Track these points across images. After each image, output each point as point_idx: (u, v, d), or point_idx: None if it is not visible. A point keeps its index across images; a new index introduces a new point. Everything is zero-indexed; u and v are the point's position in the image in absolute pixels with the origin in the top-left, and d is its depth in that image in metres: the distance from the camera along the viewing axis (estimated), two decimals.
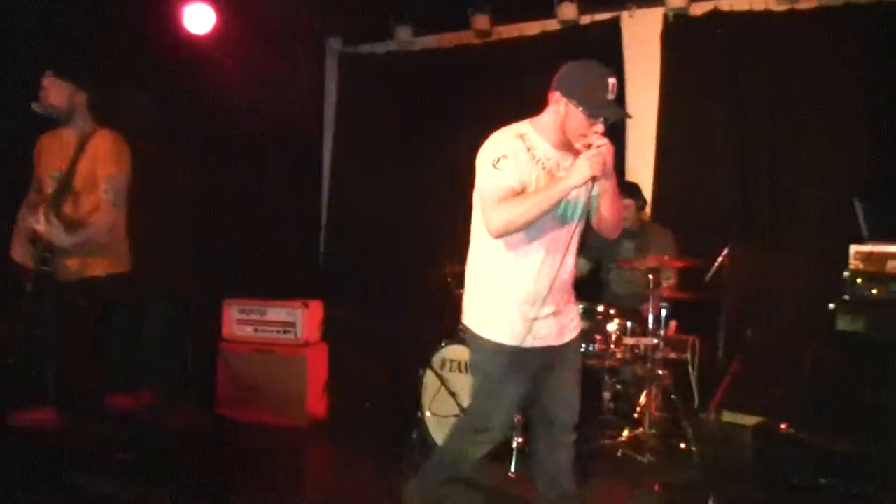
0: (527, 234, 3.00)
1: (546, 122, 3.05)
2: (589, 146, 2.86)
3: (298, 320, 5.45)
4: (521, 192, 2.97)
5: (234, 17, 5.78)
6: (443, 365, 4.89)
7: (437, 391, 4.85)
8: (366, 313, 6.18)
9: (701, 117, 5.72)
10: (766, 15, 5.70)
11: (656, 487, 4.21)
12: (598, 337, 4.80)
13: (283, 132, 6.58)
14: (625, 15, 6.19)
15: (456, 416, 4.72)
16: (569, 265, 3.14)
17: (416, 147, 6.74)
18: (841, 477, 4.19)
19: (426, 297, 5.86)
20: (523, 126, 3.10)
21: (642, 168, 5.87)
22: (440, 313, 5.42)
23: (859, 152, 5.23)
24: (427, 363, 4.91)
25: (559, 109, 3.00)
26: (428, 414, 4.91)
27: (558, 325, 3.15)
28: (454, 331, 5.02)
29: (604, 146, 2.83)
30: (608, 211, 3.08)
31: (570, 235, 3.06)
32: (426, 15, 6.73)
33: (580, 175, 2.84)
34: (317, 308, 5.59)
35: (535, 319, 3.06)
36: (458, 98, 6.59)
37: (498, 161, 2.97)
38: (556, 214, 3.00)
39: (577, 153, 2.94)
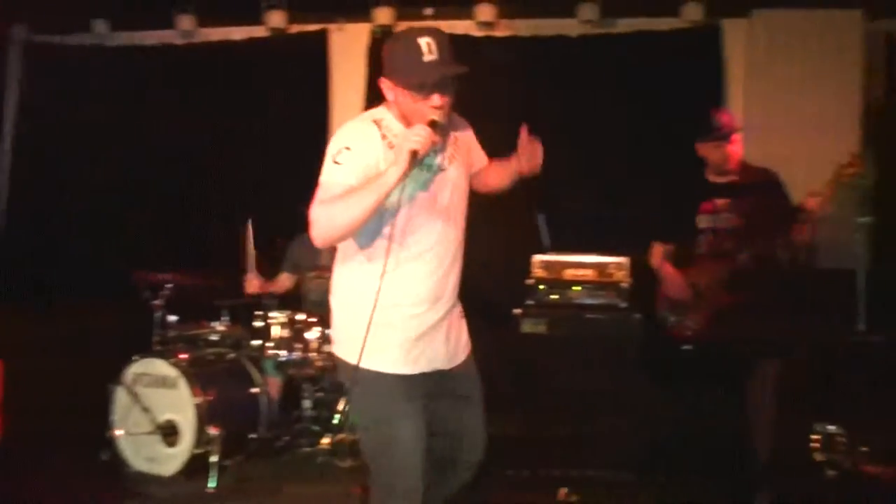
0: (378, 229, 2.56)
1: (395, 111, 2.62)
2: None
3: None
4: None
5: None
6: (135, 380, 4.63)
7: (129, 408, 4.60)
8: (48, 322, 5.71)
9: None
10: (467, 38, 6.05)
11: (357, 490, 4.28)
12: (297, 346, 4.80)
13: None
14: (333, 27, 6.27)
15: (150, 433, 4.51)
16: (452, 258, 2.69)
17: (109, 147, 6.34)
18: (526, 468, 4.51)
19: (116, 304, 5.52)
20: (380, 110, 2.65)
21: None
22: (134, 322, 5.14)
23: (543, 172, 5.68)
24: (118, 378, 4.64)
25: (389, 96, 2.59)
26: (120, 433, 4.64)
27: (447, 345, 2.68)
28: (148, 343, 4.80)
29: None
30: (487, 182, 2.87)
31: (447, 220, 2.65)
32: (126, 10, 6.39)
33: (401, 159, 2.39)
34: None
35: (421, 336, 2.61)
36: (156, 98, 6.31)
37: (339, 153, 2.49)
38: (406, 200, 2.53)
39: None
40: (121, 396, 4.64)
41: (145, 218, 6.16)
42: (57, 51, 6.61)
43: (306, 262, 5.36)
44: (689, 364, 4.00)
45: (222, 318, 5.04)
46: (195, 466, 4.42)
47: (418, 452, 2.54)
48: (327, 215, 2.47)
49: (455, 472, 2.76)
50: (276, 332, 4.80)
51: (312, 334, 4.80)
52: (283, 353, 4.80)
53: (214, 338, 4.99)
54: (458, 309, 2.72)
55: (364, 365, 2.50)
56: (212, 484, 4.27)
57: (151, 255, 5.28)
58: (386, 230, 2.54)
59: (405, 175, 2.39)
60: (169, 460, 4.50)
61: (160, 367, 4.59)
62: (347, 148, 2.51)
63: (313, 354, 4.79)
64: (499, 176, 2.93)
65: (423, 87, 2.48)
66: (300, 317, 4.84)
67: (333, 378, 5.01)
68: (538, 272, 4.97)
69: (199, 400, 4.44)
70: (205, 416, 4.43)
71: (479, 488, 4.31)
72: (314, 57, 6.15)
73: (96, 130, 6.34)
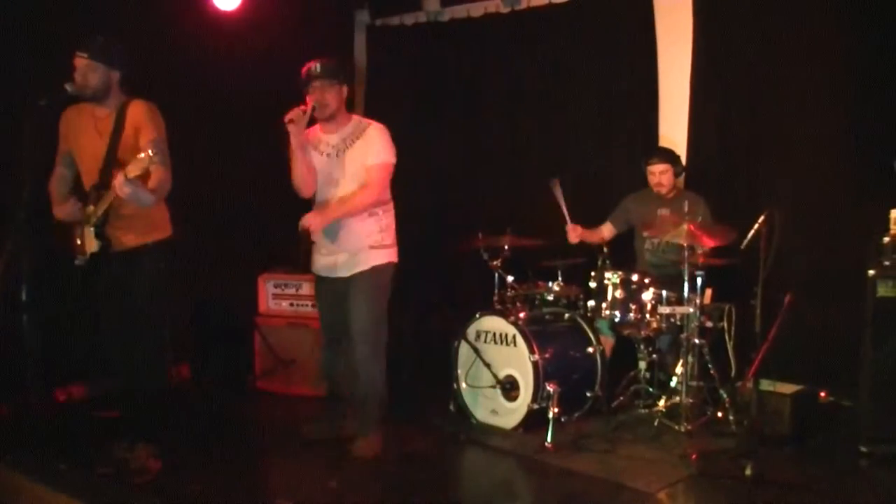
0: None
1: None
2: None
3: None
4: None
5: None
6: (477, 336, 4.90)
7: (472, 363, 4.88)
8: (399, 286, 6.18)
9: (734, 84, 5.58)
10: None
11: (693, 455, 4.19)
12: (633, 306, 4.76)
13: None
14: None
15: (491, 387, 4.76)
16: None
17: (447, 118, 6.69)
18: (882, 443, 4.16)
19: (459, 270, 5.84)
20: None
21: (676, 133, 5.77)
22: (474, 285, 5.43)
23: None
24: (462, 335, 4.92)
25: None
26: (464, 386, 4.94)
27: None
28: (489, 302, 5.04)
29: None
30: None
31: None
32: None
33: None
34: None
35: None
36: (487, 68, 6.53)
37: None
38: None
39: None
40: (464, 351, 4.93)
41: (479, 188, 6.49)
42: (396, 31, 7.05)
43: (641, 219, 5.30)
44: None
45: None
46: (533, 421, 4.59)
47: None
48: None
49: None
50: (610, 292, 4.81)
51: (647, 295, 4.75)
52: (617, 314, 4.80)
53: (550, 297, 5.11)
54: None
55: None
56: (549, 439, 4.39)
57: (489, 218, 5.51)
58: None
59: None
60: (509, 414, 4.72)
61: (500, 324, 4.80)
62: None
63: (648, 316, 4.74)
64: None
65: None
66: (634, 277, 4.80)
67: (670, 340, 4.95)
68: None
69: (536, 357, 4.59)
70: (542, 373, 4.57)
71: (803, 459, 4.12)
72: (637, 15, 5.92)
73: (436, 106, 6.71)
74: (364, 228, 4.28)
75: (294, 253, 4.64)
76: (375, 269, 4.28)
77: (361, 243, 4.27)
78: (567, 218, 5.22)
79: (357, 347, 4.27)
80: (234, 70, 5.83)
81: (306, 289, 5.52)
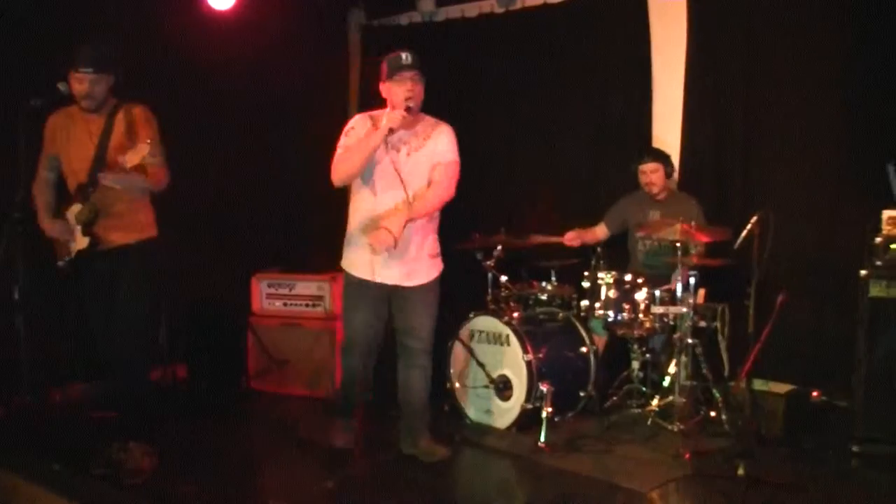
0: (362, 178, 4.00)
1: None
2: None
3: (327, 294, 5.48)
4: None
5: None
6: (471, 336, 4.91)
7: (465, 363, 4.89)
8: None
9: (728, 85, 5.60)
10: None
11: (687, 455, 4.21)
12: (626, 306, 4.77)
13: (310, 108, 6.57)
14: None
15: (485, 386, 4.77)
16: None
17: (441, 118, 6.67)
18: (874, 442, 4.18)
19: (453, 270, 5.82)
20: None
21: (669, 135, 5.78)
22: (468, 285, 5.41)
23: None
24: (456, 335, 4.93)
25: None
26: (457, 385, 4.94)
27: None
28: (483, 302, 5.05)
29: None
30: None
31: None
32: None
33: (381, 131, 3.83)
34: None
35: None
36: (482, 69, 6.54)
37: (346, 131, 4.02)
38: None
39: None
40: (458, 351, 4.94)
41: (473, 188, 6.46)
42: (391, 31, 7.05)
43: (634, 220, 5.32)
44: None
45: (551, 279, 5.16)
46: (527, 421, 4.60)
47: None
48: (336, 165, 3.95)
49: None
50: (604, 292, 4.82)
51: (641, 295, 4.75)
52: (611, 314, 4.80)
53: (544, 297, 5.12)
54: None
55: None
56: (543, 439, 4.40)
57: (483, 218, 5.53)
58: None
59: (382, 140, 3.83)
60: (503, 414, 4.73)
61: (494, 324, 4.81)
62: (352, 128, 4.02)
63: (642, 316, 4.75)
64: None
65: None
66: (628, 277, 4.81)
67: (663, 340, 4.96)
68: (889, 229, 4.47)
69: (530, 357, 4.60)
70: (536, 373, 4.57)
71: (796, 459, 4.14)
72: (633, 16, 5.92)
73: (429, 106, 6.69)
74: (426, 238, 4.11)
75: None
76: (437, 280, 4.18)
77: (423, 253, 4.09)
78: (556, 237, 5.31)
79: (420, 356, 4.17)
80: (228, 69, 5.83)
81: (300, 288, 5.53)
